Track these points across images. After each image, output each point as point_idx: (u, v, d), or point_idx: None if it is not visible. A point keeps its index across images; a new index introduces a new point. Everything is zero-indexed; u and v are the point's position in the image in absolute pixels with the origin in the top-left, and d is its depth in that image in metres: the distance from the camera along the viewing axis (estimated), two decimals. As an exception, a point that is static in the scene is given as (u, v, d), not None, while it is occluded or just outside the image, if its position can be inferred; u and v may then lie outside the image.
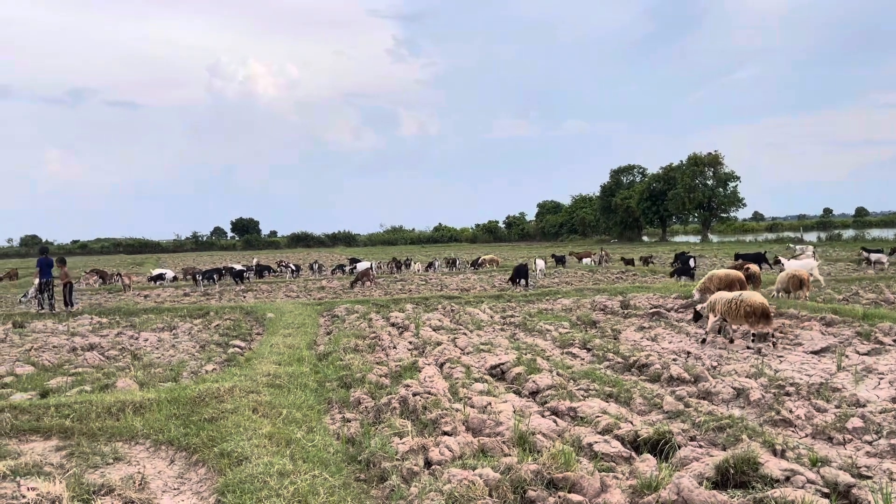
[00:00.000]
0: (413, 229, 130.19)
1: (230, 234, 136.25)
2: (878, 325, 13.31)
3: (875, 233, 78.76)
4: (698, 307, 15.46)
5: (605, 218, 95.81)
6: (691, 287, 20.63)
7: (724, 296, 13.13)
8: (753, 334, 12.81)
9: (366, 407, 9.05)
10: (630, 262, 40.97)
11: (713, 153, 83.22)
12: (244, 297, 27.44)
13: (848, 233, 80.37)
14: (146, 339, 15.86)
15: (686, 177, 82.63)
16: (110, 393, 9.42)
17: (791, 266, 23.15)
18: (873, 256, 31.03)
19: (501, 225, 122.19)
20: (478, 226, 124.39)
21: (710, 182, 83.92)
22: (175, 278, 38.01)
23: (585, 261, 43.12)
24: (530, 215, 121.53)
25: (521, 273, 27.19)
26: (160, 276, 36.87)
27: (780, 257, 29.72)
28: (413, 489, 5.78)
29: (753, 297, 12.53)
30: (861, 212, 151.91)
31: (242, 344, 14.98)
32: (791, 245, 31.37)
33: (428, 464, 6.60)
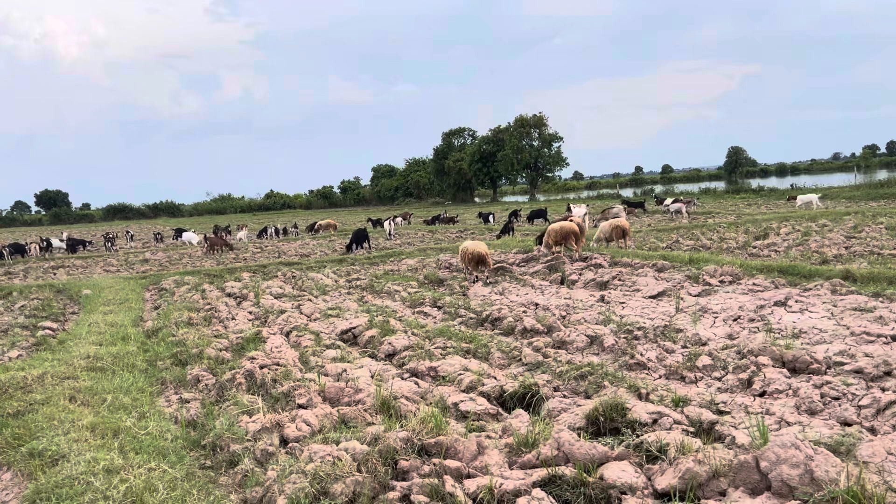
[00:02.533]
0: (243, 197, 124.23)
1: (35, 209, 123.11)
2: (704, 268, 14.13)
3: (682, 187, 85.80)
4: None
5: (438, 181, 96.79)
6: (529, 242, 21.16)
7: (461, 246, 16.52)
8: (477, 275, 16.00)
9: (206, 385, 8.14)
10: (432, 222, 42.42)
11: (538, 115, 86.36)
12: (55, 274, 24.59)
13: (658, 188, 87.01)
14: (-69, 328, 13.57)
15: (513, 138, 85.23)
16: None
17: (578, 213, 30.06)
18: (673, 207, 33.88)
19: (336, 190, 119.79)
20: (312, 191, 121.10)
21: (535, 143, 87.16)
22: None
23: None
24: (365, 180, 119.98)
25: (360, 238, 26.54)
26: None
27: (570, 205, 36.88)
28: (270, 472, 5.11)
29: (475, 246, 15.86)
30: (666, 169, 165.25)
31: (54, 325, 13.24)
32: (570, 205, 38.56)
33: (284, 442, 5.93)
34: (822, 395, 6.47)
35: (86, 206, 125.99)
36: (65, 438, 5.75)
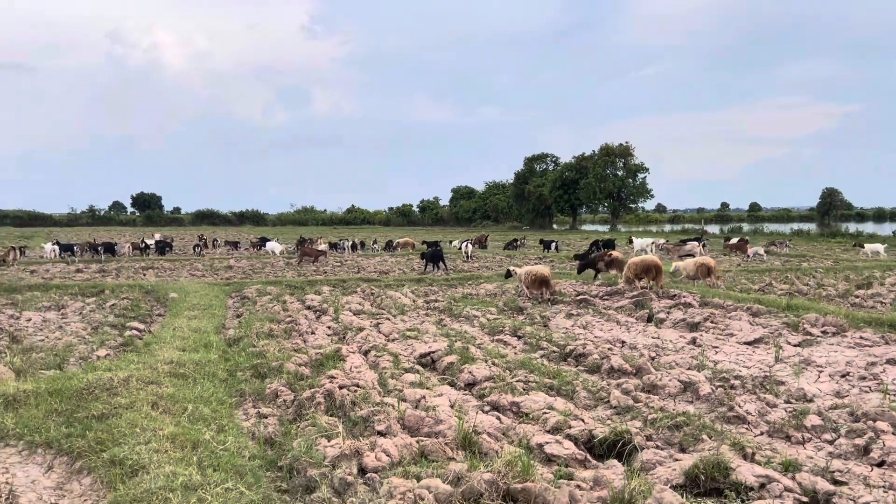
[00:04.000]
0: (325, 210, 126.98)
1: (130, 209, 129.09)
2: (803, 316, 13.26)
3: (771, 226, 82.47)
4: (511, 268, 19.45)
5: (517, 205, 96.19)
6: (610, 275, 20.60)
7: (524, 269, 18.01)
8: (548, 297, 17.04)
9: (284, 400, 8.05)
10: (484, 246, 42.22)
11: (624, 144, 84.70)
12: (144, 274, 25.48)
13: (746, 226, 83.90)
14: (29, 320, 14.15)
15: (598, 167, 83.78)
16: (-22, 383, 8.01)
17: (638, 244, 33.47)
18: (751, 251, 32.45)
19: (415, 209, 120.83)
20: (391, 209, 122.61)
21: (620, 173, 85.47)
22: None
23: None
24: (444, 200, 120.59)
25: (434, 258, 26.37)
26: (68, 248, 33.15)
27: (633, 238, 39.08)
28: (348, 504, 4.89)
29: (539, 269, 17.50)
30: (754, 207, 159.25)
31: (141, 326, 13.56)
32: (632, 238, 39.55)
33: (363, 471, 5.70)
34: (955, 473, 5.78)
35: (177, 209, 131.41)
36: (145, 448, 5.69)
